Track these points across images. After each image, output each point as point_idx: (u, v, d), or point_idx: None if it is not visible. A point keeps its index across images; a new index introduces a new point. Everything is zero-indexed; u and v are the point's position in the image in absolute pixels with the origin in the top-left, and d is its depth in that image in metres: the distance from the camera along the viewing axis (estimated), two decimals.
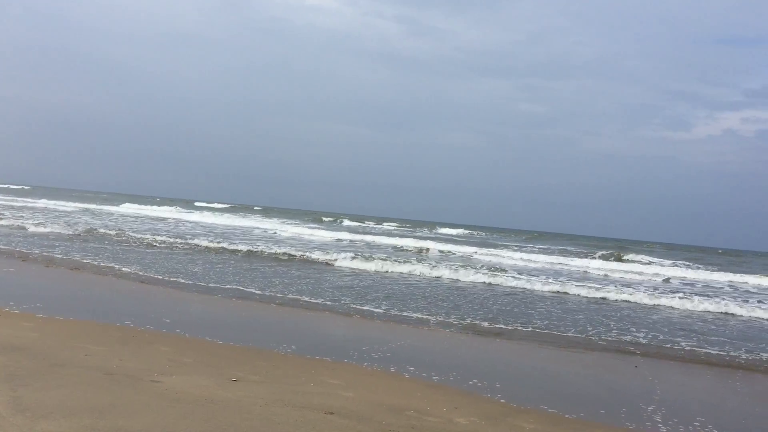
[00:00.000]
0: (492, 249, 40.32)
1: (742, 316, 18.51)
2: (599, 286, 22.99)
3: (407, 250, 36.21)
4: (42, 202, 58.74)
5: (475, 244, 48.57)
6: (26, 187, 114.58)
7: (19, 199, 65.26)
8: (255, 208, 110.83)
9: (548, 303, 17.98)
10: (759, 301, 22.04)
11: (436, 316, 13.99)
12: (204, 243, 27.66)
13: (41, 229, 28.22)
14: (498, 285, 21.42)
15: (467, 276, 22.77)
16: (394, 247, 37.16)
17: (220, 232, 38.35)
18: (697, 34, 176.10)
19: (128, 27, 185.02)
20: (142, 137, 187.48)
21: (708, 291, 25.50)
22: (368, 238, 43.30)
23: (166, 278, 16.52)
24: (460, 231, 71.34)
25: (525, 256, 36.63)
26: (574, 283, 23.28)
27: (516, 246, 49.48)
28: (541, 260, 34.92)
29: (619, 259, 40.67)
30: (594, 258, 40.40)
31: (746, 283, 30.58)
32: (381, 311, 14.03)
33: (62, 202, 61.03)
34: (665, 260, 44.54)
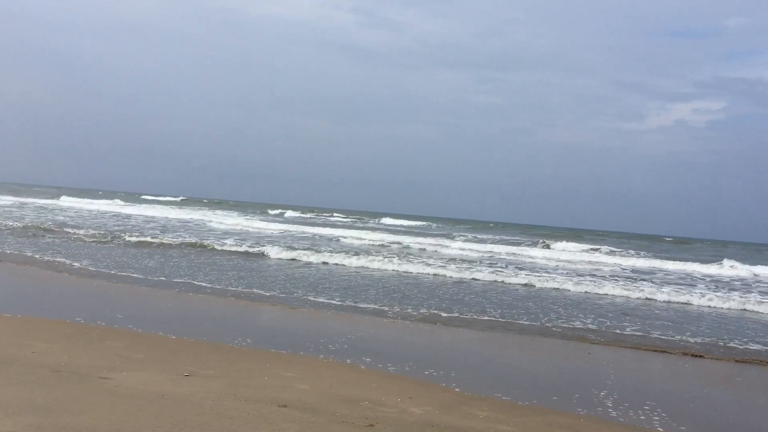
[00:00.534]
0: (439, 239, 40.57)
1: (678, 301, 18.88)
2: (547, 275, 23.37)
3: (346, 240, 35.96)
4: None
5: (427, 234, 48.79)
6: None
7: None
8: (204, 200, 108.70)
9: (498, 292, 18.20)
10: (702, 288, 22.67)
11: (392, 306, 14.03)
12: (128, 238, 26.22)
13: None
14: (443, 276, 21.44)
15: (415, 267, 22.59)
16: (336, 238, 37.09)
17: (136, 224, 36.98)
18: (648, 26, 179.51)
19: (76, 17, 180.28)
20: (90, 130, 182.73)
21: (654, 279, 26.07)
22: (313, 229, 43.12)
23: (118, 273, 16.21)
24: (412, 222, 70.99)
25: (468, 245, 37.13)
26: (515, 271, 23.62)
27: (463, 236, 49.78)
28: (480, 249, 35.52)
29: (548, 247, 41.63)
30: (528, 246, 41.01)
31: (684, 270, 31.25)
32: (337, 303, 14.00)
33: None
34: (616, 248, 45.57)
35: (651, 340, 12.34)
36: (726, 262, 33.56)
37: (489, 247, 37.07)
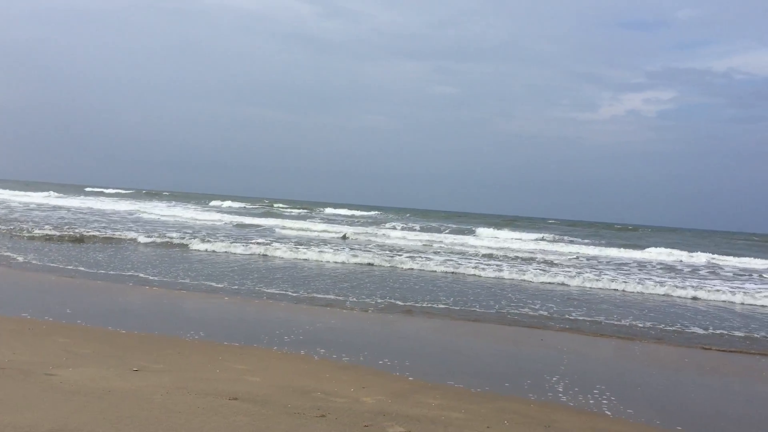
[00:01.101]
0: (382, 228, 41.25)
1: (611, 288, 19.16)
2: (493, 263, 23.66)
3: (284, 231, 35.61)
4: None
5: (371, 223, 49.11)
6: None
7: None
8: (152, 192, 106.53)
9: (448, 281, 18.35)
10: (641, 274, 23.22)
11: (347, 296, 14.02)
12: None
13: None
14: (396, 267, 21.45)
15: (360, 258, 22.35)
16: (272, 228, 36.95)
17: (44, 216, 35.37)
18: (601, 17, 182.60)
19: (20, 2, 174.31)
20: (35, 120, 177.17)
21: (598, 266, 26.62)
22: (251, 220, 42.90)
23: (67, 267, 15.83)
24: (364, 212, 70.61)
25: (409, 234, 37.95)
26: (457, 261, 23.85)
27: (408, 225, 50.10)
28: (416, 237, 36.06)
29: (471, 233, 42.54)
30: (465, 234, 41.66)
31: (621, 257, 32.09)
32: (293, 294, 13.94)
33: None
34: (563, 236, 46.52)
35: (602, 326, 12.60)
36: (653, 250, 34.60)
37: (437, 236, 37.62)
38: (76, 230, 25.83)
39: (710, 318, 14.67)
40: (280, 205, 77.37)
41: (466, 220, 69.46)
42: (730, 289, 19.63)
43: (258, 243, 24.65)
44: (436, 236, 37.42)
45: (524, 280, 19.60)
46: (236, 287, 14.38)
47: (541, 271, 21.71)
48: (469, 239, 36.85)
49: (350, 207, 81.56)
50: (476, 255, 27.46)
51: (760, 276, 26.42)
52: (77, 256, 18.36)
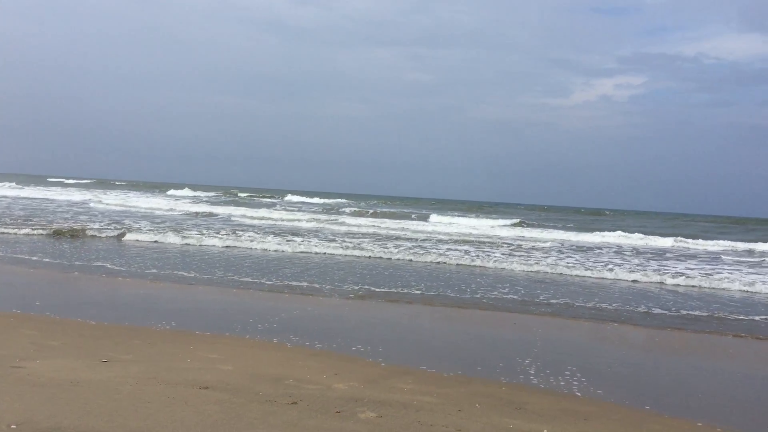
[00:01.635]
0: (342, 216, 41.55)
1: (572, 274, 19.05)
2: (458, 251, 23.79)
3: (240, 219, 35.43)
4: None
5: (329, 211, 49.35)
6: None
7: None
8: (116, 182, 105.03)
9: (414, 268, 18.41)
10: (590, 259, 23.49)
11: (321, 284, 14.01)
12: None
13: None
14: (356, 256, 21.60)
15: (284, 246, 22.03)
16: (229, 217, 36.94)
17: None
18: (572, 3, 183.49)
19: None
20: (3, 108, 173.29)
21: (552, 251, 26.92)
22: (208, 208, 42.86)
23: (32, 258, 15.59)
24: (327, 200, 70.42)
25: (365, 221, 38.28)
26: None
27: (356, 211, 50.53)
28: (371, 224, 36.34)
29: (425, 219, 43.14)
30: (418, 220, 42.23)
31: (582, 241, 32.40)
32: (270, 282, 13.88)
33: None
34: (526, 221, 46.91)
35: (573, 309, 12.74)
36: (612, 234, 35.00)
37: (392, 223, 37.89)
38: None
39: (675, 300, 14.92)
40: (246, 194, 76.81)
41: (438, 206, 69.76)
42: (701, 273, 19.97)
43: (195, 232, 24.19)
44: (388, 222, 37.71)
45: (483, 267, 19.72)
46: (208, 276, 14.28)
47: (506, 256, 21.89)
48: (417, 225, 37.17)
49: (321, 195, 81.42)
50: (428, 240, 27.61)
51: (720, 258, 26.92)
52: (43, 248, 18.08)
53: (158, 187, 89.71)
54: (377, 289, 13.71)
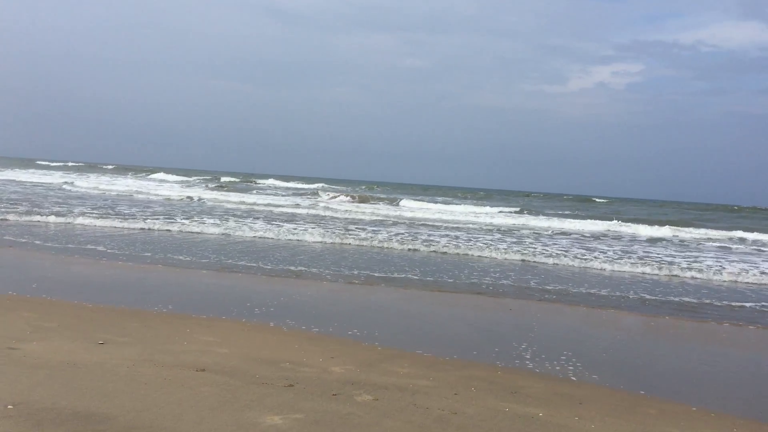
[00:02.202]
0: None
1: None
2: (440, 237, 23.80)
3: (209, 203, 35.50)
4: None
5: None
6: None
7: None
8: (106, 167, 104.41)
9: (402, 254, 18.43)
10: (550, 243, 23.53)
11: (318, 268, 14.02)
12: None
13: None
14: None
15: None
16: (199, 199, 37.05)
17: None
18: None
19: None
20: None
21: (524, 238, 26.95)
22: (171, 191, 42.83)
23: (28, 241, 15.56)
24: (306, 185, 70.75)
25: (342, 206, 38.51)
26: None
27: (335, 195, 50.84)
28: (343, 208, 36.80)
29: (393, 203, 44.05)
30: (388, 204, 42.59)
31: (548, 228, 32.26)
32: (269, 267, 13.89)
33: None
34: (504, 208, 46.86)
35: (569, 295, 12.77)
36: (604, 223, 34.85)
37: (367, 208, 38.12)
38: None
39: (669, 287, 14.97)
40: (228, 177, 76.64)
41: (431, 192, 69.76)
42: (708, 263, 19.98)
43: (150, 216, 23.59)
44: (364, 207, 37.95)
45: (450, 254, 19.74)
46: (205, 260, 14.28)
47: (496, 242, 21.91)
48: (413, 212, 37.37)
49: (310, 180, 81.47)
50: (416, 225, 27.62)
51: (712, 246, 26.99)
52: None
53: (146, 171, 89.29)
54: (374, 274, 13.73)
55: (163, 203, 32.88)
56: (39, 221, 20.30)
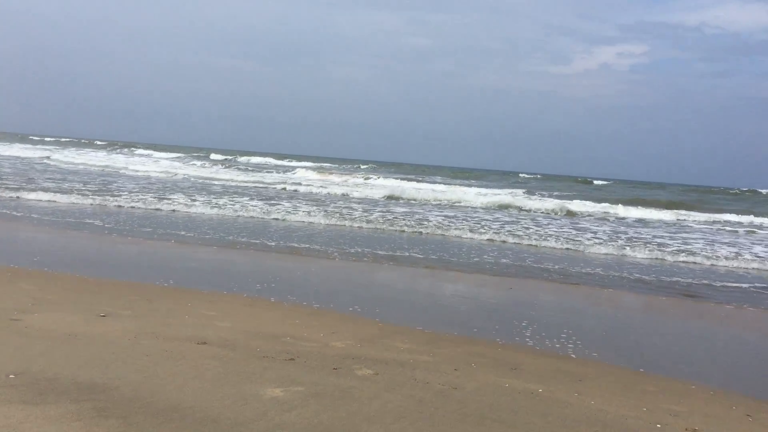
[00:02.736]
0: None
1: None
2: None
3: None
4: None
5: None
6: None
7: None
8: (98, 142, 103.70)
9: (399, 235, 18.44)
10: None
11: (321, 245, 14.03)
12: None
13: None
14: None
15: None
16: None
17: None
18: None
19: None
20: None
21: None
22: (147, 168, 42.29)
23: (32, 216, 15.57)
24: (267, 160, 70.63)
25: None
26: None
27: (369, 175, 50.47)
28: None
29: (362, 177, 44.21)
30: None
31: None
32: (272, 243, 13.90)
33: None
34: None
35: (569, 275, 12.79)
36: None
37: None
38: None
39: (665, 268, 15.00)
40: (216, 155, 76.36)
41: (430, 172, 69.62)
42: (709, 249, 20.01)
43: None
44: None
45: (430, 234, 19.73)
46: (209, 236, 14.28)
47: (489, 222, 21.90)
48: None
49: (307, 159, 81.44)
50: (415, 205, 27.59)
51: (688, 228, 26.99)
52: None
53: (141, 146, 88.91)
54: (376, 252, 13.75)
55: (133, 179, 32.34)
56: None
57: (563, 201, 33.90)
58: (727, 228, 27.36)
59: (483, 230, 19.28)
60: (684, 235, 22.82)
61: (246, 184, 34.14)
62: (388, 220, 20.32)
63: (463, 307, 9.36)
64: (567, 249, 16.88)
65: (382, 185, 39.05)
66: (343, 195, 30.73)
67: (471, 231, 18.79)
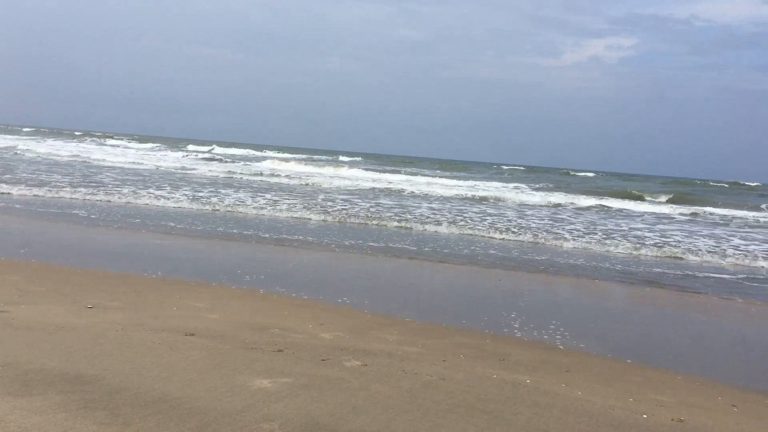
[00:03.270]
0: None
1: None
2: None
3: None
4: None
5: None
6: None
7: None
8: (76, 132, 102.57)
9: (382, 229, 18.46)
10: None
11: (319, 238, 14.02)
12: None
13: None
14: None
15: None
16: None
17: None
18: None
19: None
20: None
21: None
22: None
23: (18, 207, 15.46)
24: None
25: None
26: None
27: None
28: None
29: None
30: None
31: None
32: (266, 235, 13.87)
33: None
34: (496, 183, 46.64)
35: (557, 267, 12.85)
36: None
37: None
38: None
39: (653, 261, 15.09)
40: (157, 143, 75.65)
41: (419, 165, 69.61)
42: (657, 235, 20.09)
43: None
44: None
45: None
46: (197, 227, 14.23)
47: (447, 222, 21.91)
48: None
49: (293, 150, 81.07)
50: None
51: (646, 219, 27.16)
52: None
53: (121, 137, 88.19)
54: (365, 243, 13.75)
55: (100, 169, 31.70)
56: None
57: (546, 194, 34.18)
58: (709, 220, 27.57)
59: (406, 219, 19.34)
60: (663, 227, 22.93)
61: (212, 174, 33.88)
62: (339, 210, 20.33)
63: (452, 299, 9.38)
64: (537, 243, 16.93)
65: (351, 176, 39.42)
66: (302, 185, 30.41)
67: (398, 220, 18.48)
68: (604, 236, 18.40)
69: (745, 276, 13.62)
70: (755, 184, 75.41)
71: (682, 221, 26.42)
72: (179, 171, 34.35)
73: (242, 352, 5.41)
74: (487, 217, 21.25)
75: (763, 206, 38.24)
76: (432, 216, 20.33)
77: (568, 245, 16.28)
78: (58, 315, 6.19)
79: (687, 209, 32.11)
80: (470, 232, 17.36)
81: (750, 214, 32.10)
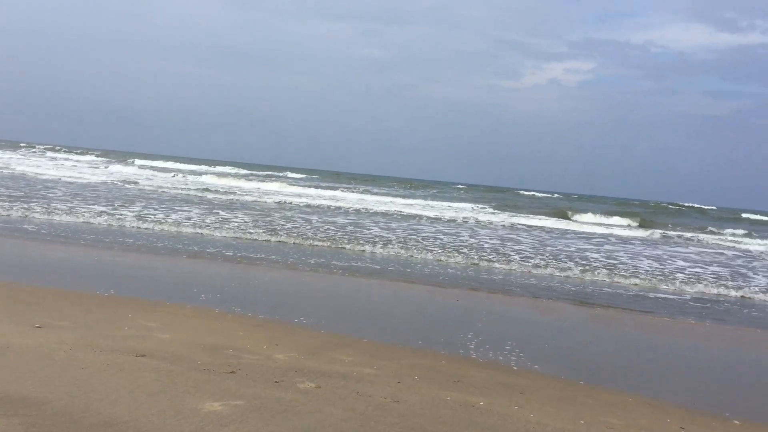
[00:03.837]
0: None
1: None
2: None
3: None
4: None
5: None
6: None
7: None
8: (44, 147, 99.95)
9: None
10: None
11: (278, 256, 13.92)
12: None
13: None
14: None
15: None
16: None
17: None
18: None
19: None
20: None
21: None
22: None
23: None
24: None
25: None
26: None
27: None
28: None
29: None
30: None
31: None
32: (217, 252, 13.71)
33: None
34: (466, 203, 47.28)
35: (515, 287, 12.98)
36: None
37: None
38: None
39: (602, 282, 15.38)
40: (93, 155, 74.31)
41: (374, 183, 69.83)
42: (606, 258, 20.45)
43: None
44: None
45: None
46: (155, 244, 14.01)
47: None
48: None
49: (253, 167, 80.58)
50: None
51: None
52: None
53: (78, 150, 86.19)
54: (323, 261, 13.70)
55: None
56: None
57: (496, 213, 34.75)
58: (657, 242, 28.27)
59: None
60: (609, 248, 23.28)
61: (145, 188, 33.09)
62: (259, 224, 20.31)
63: (409, 319, 9.39)
64: (490, 263, 17.11)
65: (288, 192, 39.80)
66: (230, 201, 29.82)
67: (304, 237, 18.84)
68: (551, 257, 18.63)
69: (695, 297, 13.95)
70: (709, 207, 77.71)
71: (632, 242, 26.97)
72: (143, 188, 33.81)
73: (194, 374, 5.33)
74: (441, 236, 21.39)
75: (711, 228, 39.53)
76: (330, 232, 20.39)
77: (514, 266, 16.45)
78: (4, 334, 6.02)
79: (642, 232, 32.88)
80: (414, 253, 17.33)
81: (701, 236, 33.02)
